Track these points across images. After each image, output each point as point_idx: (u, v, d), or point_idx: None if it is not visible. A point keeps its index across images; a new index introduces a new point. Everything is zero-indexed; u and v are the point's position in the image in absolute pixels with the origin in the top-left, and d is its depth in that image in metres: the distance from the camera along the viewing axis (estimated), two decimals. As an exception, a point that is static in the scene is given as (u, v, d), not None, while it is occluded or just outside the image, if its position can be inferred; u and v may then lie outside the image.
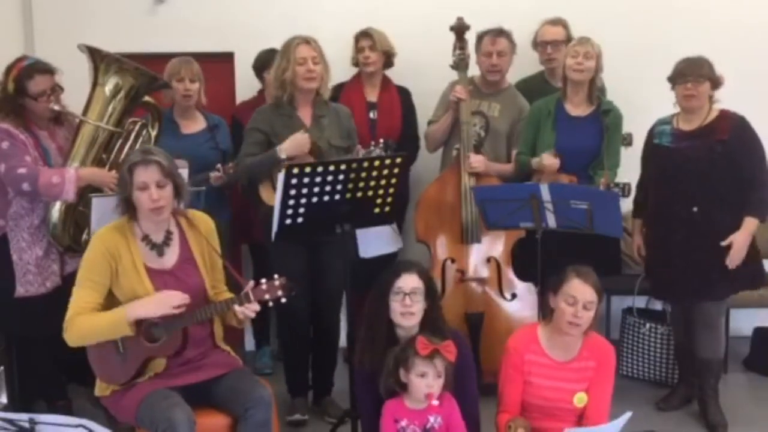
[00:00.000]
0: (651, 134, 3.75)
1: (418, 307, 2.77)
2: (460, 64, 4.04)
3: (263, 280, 2.73)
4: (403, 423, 2.70)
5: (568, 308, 2.76)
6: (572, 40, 3.99)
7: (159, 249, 2.83)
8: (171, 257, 2.85)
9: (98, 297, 2.74)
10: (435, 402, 2.63)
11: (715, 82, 3.55)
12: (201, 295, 2.85)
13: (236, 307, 2.72)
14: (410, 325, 2.77)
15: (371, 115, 4.26)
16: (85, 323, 2.70)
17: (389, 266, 3.84)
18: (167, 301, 2.70)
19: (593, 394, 2.83)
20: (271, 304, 2.74)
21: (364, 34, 4.24)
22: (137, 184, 2.73)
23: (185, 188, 2.87)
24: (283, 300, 2.73)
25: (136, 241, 2.80)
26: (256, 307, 2.72)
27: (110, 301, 2.77)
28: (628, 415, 2.54)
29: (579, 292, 2.76)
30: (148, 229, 2.82)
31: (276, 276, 2.74)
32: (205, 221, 2.97)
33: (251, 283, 2.75)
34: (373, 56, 4.23)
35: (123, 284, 2.75)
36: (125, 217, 2.82)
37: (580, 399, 2.82)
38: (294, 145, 3.48)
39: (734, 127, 3.54)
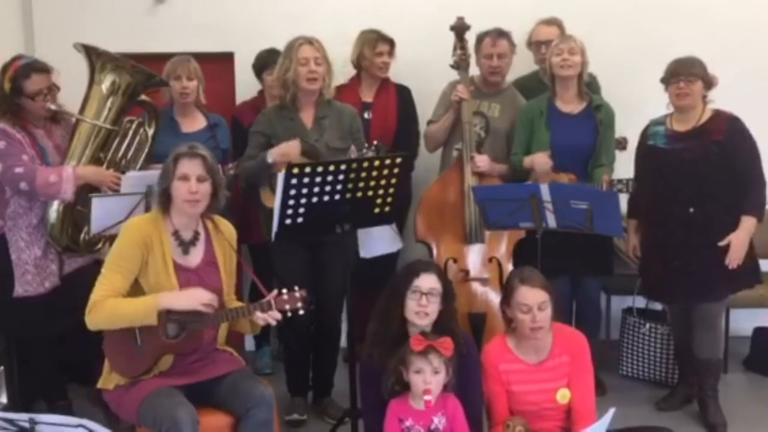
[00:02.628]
0: (645, 135, 3.75)
1: (433, 307, 2.78)
2: (461, 64, 4.03)
3: (284, 291, 2.81)
4: (408, 423, 2.70)
5: (524, 317, 2.80)
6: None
7: (186, 247, 2.87)
8: (196, 257, 2.89)
9: (126, 283, 2.76)
10: (427, 397, 2.63)
11: (708, 83, 3.56)
12: (219, 299, 2.87)
13: (258, 313, 2.79)
14: (423, 324, 2.77)
15: (366, 115, 4.25)
16: (113, 306, 2.71)
17: (389, 266, 3.84)
18: (198, 298, 2.74)
19: (575, 387, 2.84)
20: (290, 314, 2.81)
21: (384, 39, 4.23)
22: (179, 174, 2.79)
23: (222, 190, 2.91)
24: (301, 312, 2.81)
25: (167, 234, 2.84)
26: (278, 315, 2.79)
27: (134, 290, 2.78)
28: (611, 411, 2.54)
29: (529, 298, 2.80)
30: (179, 225, 2.86)
31: (296, 288, 2.81)
32: (229, 228, 3.02)
33: (274, 292, 2.81)
34: (390, 61, 4.25)
35: (150, 275, 2.78)
36: (159, 210, 2.86)
37: (563, 396, 2.84)
38: (281, 151, 3.46)
39: (728, 127, 3.54)
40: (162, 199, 2.85)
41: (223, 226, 2.99)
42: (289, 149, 3.47)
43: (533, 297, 2.79)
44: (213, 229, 2.96)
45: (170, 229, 2.86)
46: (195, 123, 3.99)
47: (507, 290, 2.90)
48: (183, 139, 3.80)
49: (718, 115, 3.59)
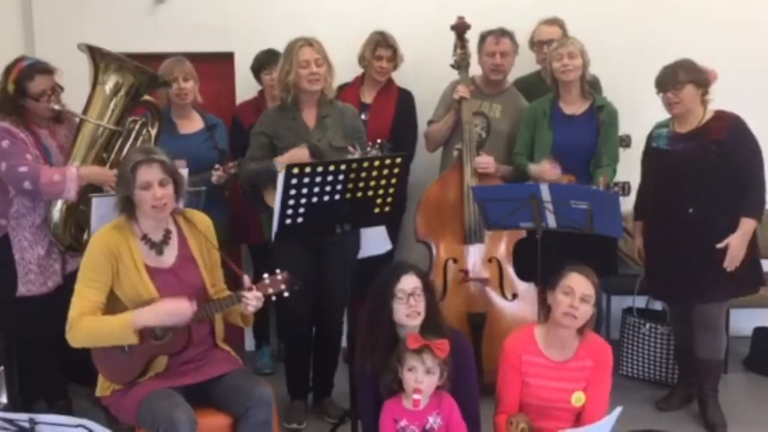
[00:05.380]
0: (650, 138, 3.76)
1: (422, 305, 2.78)
2: (461, 64, 4.04)
3: (266, 275, 2.78)
4: (403, 423, 2.70)
5: (564, 298, 2.79)
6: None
7: (158, 248, 2.84)
8: (170, 256, 2.86)
9: (101, 296, 2.74)
10: (416, 396, 2.63)
11: (701, 83, 3.53)
12: (201, 293, 2.86)
13: (243, 299, 2.76)
14: (416, 324, 2.77)
15: (362, 116, 4.24)
16: (90, 327, 2.70)
17: (383, 267, 3.85)
18: (172, 311, 2.70)
19: (591, 393, 2.84)
20: (274, 298, 2.78)
21: (386, 44, 4.20)
22: (140, 184, 2.74)
23: (184, 187, 2.89)
24: (286, 294, 2.78)
25: (135, 240, 2.81)
26: (259, 295, 2.76)
27: (112, 300, 2.77)
28: (618, 410, 2.55)
29: (576, 283, 2.80)
30: (147, 228, 2.83)
31: (278, 270, 2.78)
32: (203, 219, 2.99)
33: (251, 277, 2.79)
34: (390, 67, 4.24)
35: (124, 283, 2.76)
36: (124, 217, 2.83)
37: (578, 399, 2.83)
38: (290, 159, 3.41)
39: (729, 126, 3.53)
40: (124, 206, 2.81)
41: (196, 219, 2.95)
42: (298, 156, 3.44)
43: (581, 283, 2.79)
44: (185, 224, 2.93)
45: (138, 233, 2.82)
46: (192, 124, 3.99)
47: (558, 276, 2.86)
48: (181, 141, 3.84)
49: (720, 115, 3.58)
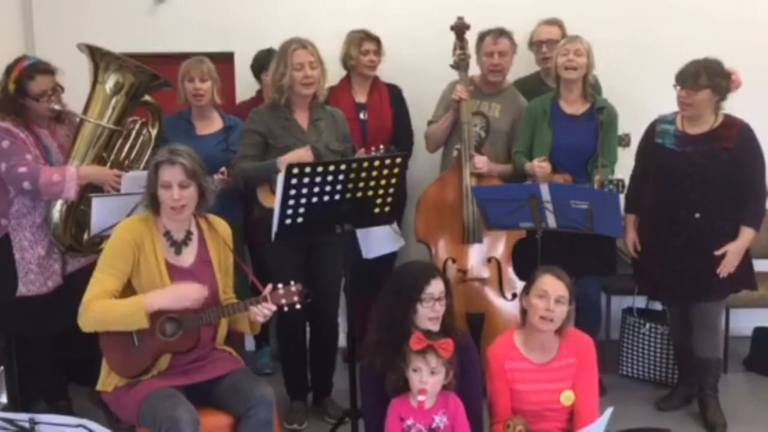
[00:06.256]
0: (652, 131, 3.71)
1: (443, 309, 2.78)
2: (460, 64, 4.04)
3: (280, 286, 2.82)
4: (409, 422, 2.70)
5: (539, 302, 2.79)
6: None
7: (178, 247, 2.87)
8: (189, 256, 2.89)
9: (118, 284, 2.76)
10: (421, 397, 2.63)
11: (721, 90, 3.48)
12: (214, 297, 2.88)
13: (253, 308, 2.80)
14: (437, 329, 2.75)
15: (361, 116, 4.26)
16: (101, 309, 2.70)
17: (389, 266, 3.85)
18: (187, 294, 2.74)
19: (579, 390, 2.84)
20: (286, 309, 2.83)
21: (370, 38, 4.24)
22: (161, 182, 2.79)
23: (210, 191, 2.91)
24: (298, 306, 2.83)
25: (159, 235, 2.84)
26: (273, 307, 2.81)
27: (128, 292, 2.78)
28: (609, 411, 2.55)
29: (550, 285, 2.79)
30: (170, 226, 2.87)
31: (292, 282, 2.83)
32: (224, 226, 3.02)
33: (269, 287, 2.83)
34: (378, 60, 4.26)
35: (143, 275, 2.78)
36: (150, 211, 2.86)
37: (567, 397, 2.83)
38: (295, 158, 3.38)
39: (739, 135, 3.50)
40: (150, 201, 2.85)
41: (217, 225, 2.99)
42: (301, 156, 3.43)
43: (554, 286, 2.79)
44: (207, 228, 2.96)
45: (162, 229, 2.86)
46: (211, 125, 3.95)
47: (531, 279, 2.88)
48: (196, 142, 3.80)
49: (729, 121, 3.54)
